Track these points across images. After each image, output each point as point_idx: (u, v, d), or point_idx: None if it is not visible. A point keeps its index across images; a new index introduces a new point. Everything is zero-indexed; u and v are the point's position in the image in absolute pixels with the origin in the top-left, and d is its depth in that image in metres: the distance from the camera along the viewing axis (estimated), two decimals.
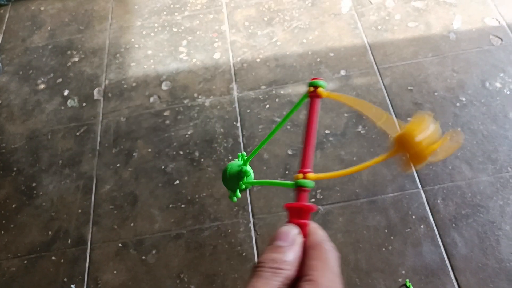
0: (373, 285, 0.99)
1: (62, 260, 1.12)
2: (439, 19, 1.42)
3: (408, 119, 1.21)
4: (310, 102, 0.37)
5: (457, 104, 1.23)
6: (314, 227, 0.31)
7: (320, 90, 0.37)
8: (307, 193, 0.32)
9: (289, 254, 0.29)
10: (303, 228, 0.31)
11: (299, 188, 0.32)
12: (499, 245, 1.00)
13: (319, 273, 0.28)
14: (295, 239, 0.29)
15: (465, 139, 1.16)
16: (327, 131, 1.23)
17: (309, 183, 0.32)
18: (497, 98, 1.22)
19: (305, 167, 0.33)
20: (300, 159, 0.33)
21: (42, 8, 1.73)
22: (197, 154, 1.24)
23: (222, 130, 1.27)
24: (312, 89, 0.37)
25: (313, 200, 1.11)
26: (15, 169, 1.29)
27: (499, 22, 1.38)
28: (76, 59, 1.53)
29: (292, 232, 0.30)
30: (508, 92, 1.23)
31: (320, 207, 1.10)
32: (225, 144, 1.24)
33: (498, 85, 1.25)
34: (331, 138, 1.21)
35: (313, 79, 0.37)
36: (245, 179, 0.40)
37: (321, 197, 1.12)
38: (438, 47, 1.35)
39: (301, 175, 0.32)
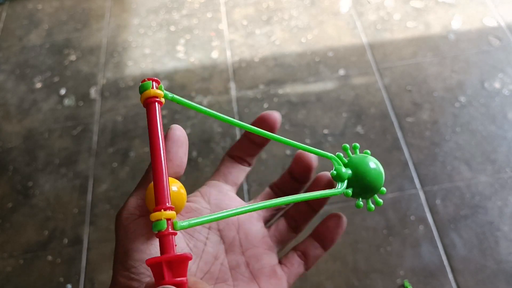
0: (372, 286, 0.99)
1: (58, 260, 1.11)
2: (438, 19, 1.42)
3: (407, 119, 1.21)
4: (149, 111, 0.27)
5: (456, 105, 1.22)
6: (194, 282, 0.24)
7: (159, 93, 0.27)
8: (174, 238, 0.24)
9: None
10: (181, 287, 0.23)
11: (163, 233, 0.23)
12: (498, 246, 1.00)
13: None
14: None
15: (464, 139, 1.16)
16: (325, 131, 1.22)
17: (178, 224, 0.24)
18: (496, 99, 1.22)
19: (162, 202, 0.24)
20: (156, 192, 0.24)
21: (40, 7, 1.72)
22: (194, 153, 1.23)
23: (220, 129, 1.27)
24: (148, 94, 0.27)
25: None
26: (11, 168, 1.28)
27: (498, 23, 1.38)
28: (73, 58, 1.52)
29: None
30: (507, 93, 1.23)
31: None
32: (223, 144, 1.24)
33: (497, 85, 1.24)
34: (329, 138, 1.21)
35: (143, 81, 0.27)
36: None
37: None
38: (437, 48, 1.35)
39: (160, 214, 0.24)
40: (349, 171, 0.33)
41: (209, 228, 0.32)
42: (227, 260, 0.32)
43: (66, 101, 1.40)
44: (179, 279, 0.23)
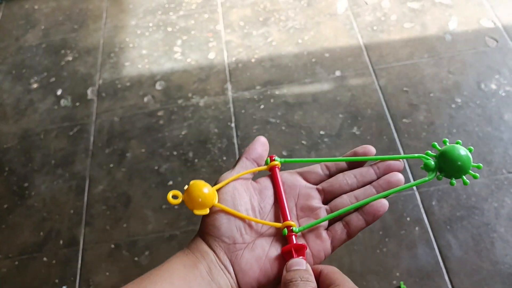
0: (368, 287, 0.99)
1: (54, 261, 1.10)
2: (435, 20, 1.42)
3: (404, 120, 1.21)
4: (273, 172, 0.45)
5: (453, 106, 1.22)
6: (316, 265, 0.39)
7: (277, 163, 0.45)
8: (296, 236, 0.39)
9: (310, 273, 0.37)
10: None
11: (290, 234, 0.39)
12: (493, 247, 1.00)
13: (343, 281, 0.36)
14: (306, 265, 0.37)
15: (461, 141, 1.16)
16: (322, 132, 1.22)
17: (296, 229, 0.40)
18: (492, 100, 1.22)
19: (287, 218, 0.40)
20: (281, 214, 0.41)
21: (36, 7, 1.72)
22: (191, 154, 1.23)
23: (216, 130, 1.27)
24: (273, 164, 0.45)
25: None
26: (7, 169, 1.28)
27: (494, 24, 1.38)
28: (70, 58, 1.52)
29: (301, 261, 0.37)
30: (503, 94, 1.23)
31: None
32: (219, 145, 1.24)
33: (493, 86, 1.25)
34: (326, 139, 1.21)
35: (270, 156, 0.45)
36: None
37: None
38: (434, 48, 1.35)
39: (288, 223, 0.40)
40: (432, 162, 0.42)
41: (275, 198, 0.43)
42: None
43: (63, 102, 1.40)
44: (301, 257, 0.38)
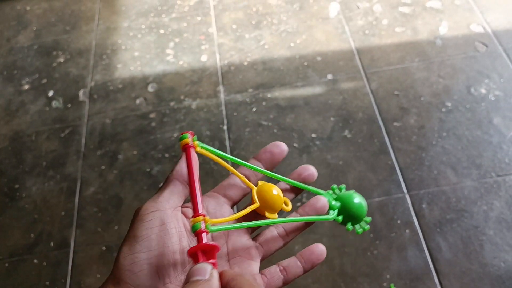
0: None
1: (45, 263, 1.10)
2: (425, 25, 1.43)
3: (395, 123, 1.22)
4: (186, 155, 0.37)
5: (443, 110, 1.24)
6: (225, 269, 0.33)
7: (196, 143, 0.38)
8: (207, 234, 0.33)
9: (214, 285, 0.30)
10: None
11: (199, 232, 0.33)
12: (483, 250, 1.01)
13: None
14: (212, 273, 0.30)
15: (450, 144, 1.17)
16: (313, 135, 1.23)
17: (210, 227, 0.33)
18: (482, 104, 1.23)
19: (198, 211, 0.34)
20: (192, 206, 0.34)
21: (28, 8, 1.71)
22: None
23: (208, 133, 1.27)
24: (186, 141, 0.37)
25: (298, 204, 1.11)
26: None
27: (484, 29, 1.40)
28: (62, 60, 1.51)
29: (207, 268, 0.30)
30: (492, 98, 1.24)
31: None
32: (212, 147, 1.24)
33: (483, 91, 1.26)
34: (317, 142, 1.21)
35: (182, 133, 0.37)
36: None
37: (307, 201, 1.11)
38: (424, 53, 1.36)
39: (198, 219, 0.33)
40: (338, 203, 0.43)
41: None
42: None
43: (54, 103, 1.40)
44: (210, 261, 0.31)
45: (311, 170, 0.43)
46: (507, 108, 1.22)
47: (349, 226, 0.43)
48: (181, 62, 1.45)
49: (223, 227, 0.35)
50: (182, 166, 0.38)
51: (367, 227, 0.43)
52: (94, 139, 1.30)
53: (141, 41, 1.53)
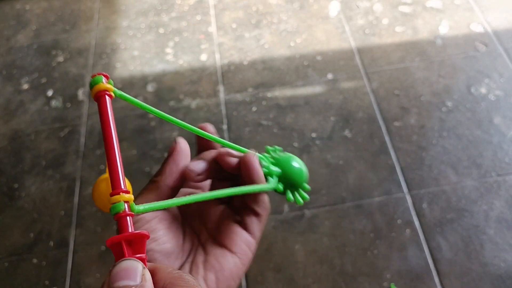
0: None
1: (44, 263, 1.10)
2: (426, 24, 1.43)
3: (395, 123, 1.22)
4: (100, 104, 0.28)
5: (443, 109, 1.23)
6: (159, 266, 0.25)
7: (109, 87, 0.28)
8: (132, 218, 0.25)
9: None
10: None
11: (121, 215, 0.25)
12: (483, 249, 1.01)
13: None
14: (145, 276, 0.23)
15: (451, 144, 1.17)
16: (313, 135, 1.22)
17: (136, 207, 0.25)
18: (482, 104, 1.23)
19: (118, 187, 0.25)
20: (111, 178, 0.26)
21: (28, 7, 1.71)
22: None
23: None
24: (99, 87, 0.28)
25: None
26: None
27: (484, 29, 1.39)
28: (61, 59, 1.51)
29: (137, 267, 0.23)
30: (493, 98, 1.24)
31: (306, 210, 1.10)
32: None
33: (483, 90, 1.26)
34: (317, 142, 1.21)
35: (93, 76, 0.28)
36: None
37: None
38: (424, 52, 1.36)
39: (119, 197, 0.25)
40: (278, 169, 0.36)
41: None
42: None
43: (54, 103, 1.39)
44: (138, 255, 0.24)
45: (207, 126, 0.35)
46: (507, 108, 1.22)
47: (289, 195, 0.36)
48: (180, 62, 1.44)
49: (151, 205, 0.27)
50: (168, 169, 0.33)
51: (306, 196, 0.36)
52: (94, 138, 1.30)
53: (141, 41, 1.52)
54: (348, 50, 1.40)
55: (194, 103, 1.33)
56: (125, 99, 0.30)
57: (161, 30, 1.54)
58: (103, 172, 1.23)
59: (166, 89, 1.38)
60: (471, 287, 0.97)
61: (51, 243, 1.13)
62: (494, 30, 1.39)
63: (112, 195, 0.25)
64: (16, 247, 1.13)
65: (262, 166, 0.34)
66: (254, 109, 1.30)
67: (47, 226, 1.15)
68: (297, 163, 0.37)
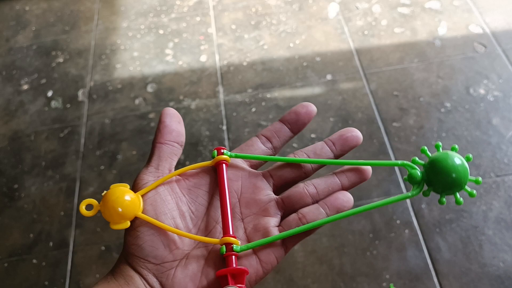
0: None
1: (44, 263, 1.10)
2: (425, 25, 1.44)
3: (394, 123, 1.22)
4: (218, 169, 0.36)
5: (442, 110, 1.24)
6: None
7: (225, 158, 0.36)
8: (236, 257, 0.33)
9: None
10: None
11: (229, 254, 0.32)
12: (482, 250, 1.01)
13: None
14: None
15: (450, 144, 1.17)
16: (312, 135, 1.23)
17: (238, 248, 0.33)
18: (481, 105, 1.24)
19: (228, 232, 0.33)
20: (223, 226, 0.34)
21: (27, 8, 1.71)
22: (182, 157, 1.23)
23: (207, 133, 1.27)
24: (220, 158, 0.36)
25: None
26: None
27: (483, 30, 1.40)
28: (61, 60, 1.51)
29: None
30: (491, 99, 1.24)
31: None
32: (211, 147, 1.24)
33: (482, 91, 1.26)
34: (316, 143, 1.21)
35: (216, 148, 0.36)
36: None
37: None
38: (423, 53, 1.36)
39: (228, 239, 0.33)
40: (419, 172, 0.34)
41: (212, 195, 0.36)
42: None
43: (53, 103, 1.40)
44: (239, 285, 0.31)
45: (354, 132, 0.37)
46: (506, 109, 1.22)
47: (443, 199, 0.33)
48: (180, 62, 1.45)
49: (250, 245, 0.33)
50: (164, 125, 0.36)
51: (473, 192, 0.33)
52: (93, 139, 1.30)
53: (140, 41, 1.53)
54: (347, 51, 1.40)
55: (193, 104, 1.34)
56: (241, 157, 0.36)
57: (161, 31, 1.55)
58: (103, 172, 1.23)
59: (165, 90, 1.38)
60: None
61: (51, 244, 1.13)
62: (493, 31, 1.39)
63: (223, 237, 0.33)
64: (16, 248, 1.13)
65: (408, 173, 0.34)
66: (253, 109, 1.30)
67: (46, 226, 1.16)
68: (457, 159, 0.33)
